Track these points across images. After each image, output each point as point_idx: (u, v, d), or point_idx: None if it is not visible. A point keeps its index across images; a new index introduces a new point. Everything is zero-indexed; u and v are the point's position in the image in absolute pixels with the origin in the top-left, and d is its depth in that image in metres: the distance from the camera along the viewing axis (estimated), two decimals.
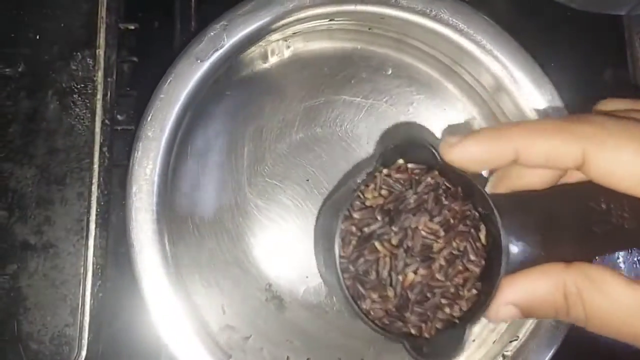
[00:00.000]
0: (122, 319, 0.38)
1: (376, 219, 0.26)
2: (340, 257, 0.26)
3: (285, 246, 0.38)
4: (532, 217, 0.26)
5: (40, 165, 0.36)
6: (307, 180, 0.39)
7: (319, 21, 0.37)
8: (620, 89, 0.44)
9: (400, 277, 0.26)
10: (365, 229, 0.26)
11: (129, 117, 0.39)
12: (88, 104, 0.37)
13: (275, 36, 0.37)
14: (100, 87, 0.37)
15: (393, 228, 0.26)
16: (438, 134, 0.40)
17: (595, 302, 0.23)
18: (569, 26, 0.44)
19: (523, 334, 0.36)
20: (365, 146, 0.40)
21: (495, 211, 0.25)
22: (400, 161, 0.27)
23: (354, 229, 0.26)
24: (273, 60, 0.40)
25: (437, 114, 0.41)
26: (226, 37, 0.34)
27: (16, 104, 0.36)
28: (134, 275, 0.33)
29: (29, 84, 0.36)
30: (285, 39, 0.39)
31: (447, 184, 0.27)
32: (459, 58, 0.38)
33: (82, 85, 0.37)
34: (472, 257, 0.26)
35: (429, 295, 0.26)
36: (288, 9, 0.35)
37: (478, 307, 0.25)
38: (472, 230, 0.26)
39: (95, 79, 0.37)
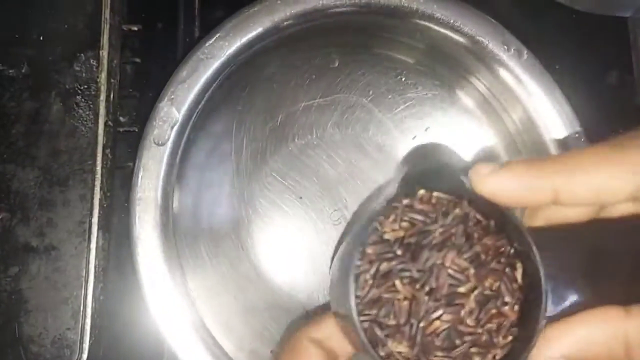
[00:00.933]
0: (124, 322, 0.37)
1: (395, 253, 0.23)
2: (356, 297, 0.22)
3: (305, 267, 0.38)
4: (575, 254, 0.23)
5: (42, 167, 0.35)
6: (301, 197, 0.38)
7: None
8: (625, 92, 0.44)
9: (423, 324, 0.22)
10: (383, 265, 0.23)
11: (131, 118, 0.39)
12: (91, 106, 0.36)
13: None
14: (103, 89, 0.36)
15: (415, 265, 0.23)
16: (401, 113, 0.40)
17: None
18: (573, 28, 0.44)
19: None
20: (341, 144, 0.39)
21: (533, 247, 0.22)
22: (422, 191, 0.24)
23: (368, 266, 0.23)
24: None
25: (396, 86, 0.40)
26: (176, 111, 0.34)
27: (19, 105, 0.36)
28: (136, 275, 0.32)
29: (32, 85, 0.36)
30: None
31: (478, 216, 0.24)
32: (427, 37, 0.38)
33: (86, 87, 0.36)
34: (507, 299, 0.23)
35: (457, 342, 0.22)
36: (228, 57, 0.34)
37: (515, 357, 0.22)
38: (507, 268, 0.23)
39: (98, 80, 0.36)
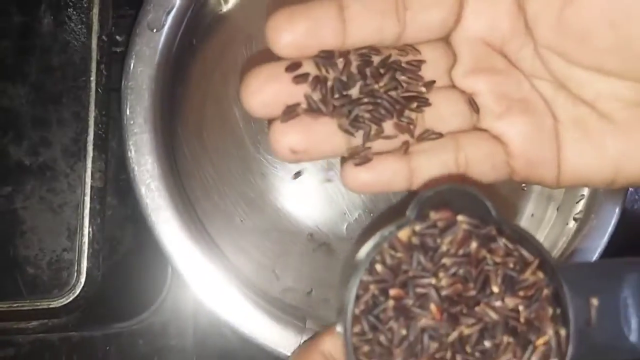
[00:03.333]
0: (125, 247, 0.36)
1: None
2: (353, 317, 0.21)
3: (313, 191, 0.36)
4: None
5: (34, 84, 0.34)
6: None
7: None
8: None
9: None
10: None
11: (127, 39, 0.37)
12: (84, 19, 0.34)
13: None
14: (96, 1, 0.34)
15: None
16: None
17: None
18: None
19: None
20: None
21: (562, 283, 0.21)
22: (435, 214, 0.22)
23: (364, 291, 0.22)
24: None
25: None
26: None
27: (7, 19, 0.34)
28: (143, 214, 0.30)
29: None
30: None
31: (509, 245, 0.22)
32: None
33: None
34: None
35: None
36: None
37: None
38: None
39: None
